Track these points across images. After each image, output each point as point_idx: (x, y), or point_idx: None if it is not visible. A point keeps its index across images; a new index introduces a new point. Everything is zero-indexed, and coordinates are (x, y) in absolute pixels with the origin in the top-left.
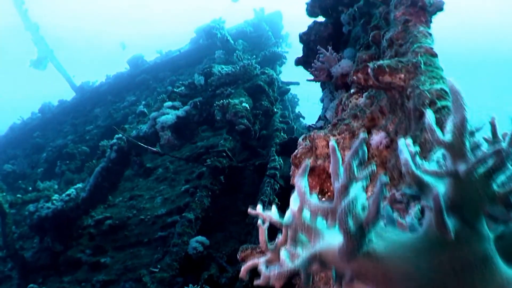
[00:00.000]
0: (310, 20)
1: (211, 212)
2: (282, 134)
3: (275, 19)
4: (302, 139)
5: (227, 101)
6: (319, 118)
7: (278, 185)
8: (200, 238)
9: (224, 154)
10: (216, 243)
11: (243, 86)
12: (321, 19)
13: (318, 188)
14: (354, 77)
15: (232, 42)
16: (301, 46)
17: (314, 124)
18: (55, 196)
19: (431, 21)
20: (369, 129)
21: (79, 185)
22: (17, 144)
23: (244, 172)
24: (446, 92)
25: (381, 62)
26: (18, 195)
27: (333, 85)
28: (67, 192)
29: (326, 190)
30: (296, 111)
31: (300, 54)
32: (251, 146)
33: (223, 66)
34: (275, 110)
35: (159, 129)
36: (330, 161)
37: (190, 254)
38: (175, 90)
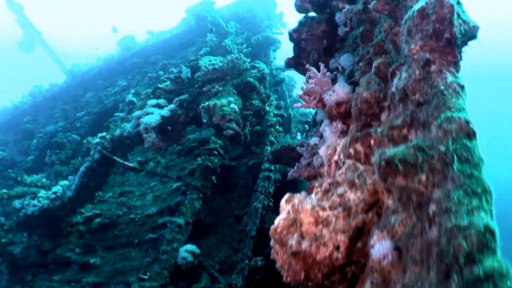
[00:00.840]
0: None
1: (203, 215)
2: (277, 127)
3: None
4: (286, 201)
5: (213, 102)
6: (314, 125)
7: (273, 187)
8: (189, 247)
9: (216, 152)
10: (209, 248)
11: (231, 82)
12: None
13: (303, 274)
14: (351, 150)
15: (224, 24)
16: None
17: (305, 141)
18: (42, 193)
19: (460, 58)
20: (370, 205)
21: (66, 182)
22: (7, 129)
23: (237, 171)
24: (492, 234)
25: (391, 153)
26: (4, 191)
27: (327, 114)
28: (54, 190)
29: (312, 277)
30: (294, 95)
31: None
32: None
33: (211, 58)
34: (267, 109)
35: (143, 131)
36: (318, 244)
37: (180, 265)
38: (159, 86)
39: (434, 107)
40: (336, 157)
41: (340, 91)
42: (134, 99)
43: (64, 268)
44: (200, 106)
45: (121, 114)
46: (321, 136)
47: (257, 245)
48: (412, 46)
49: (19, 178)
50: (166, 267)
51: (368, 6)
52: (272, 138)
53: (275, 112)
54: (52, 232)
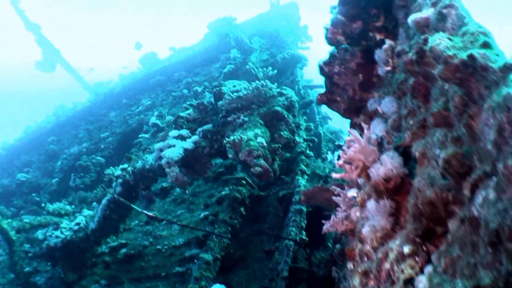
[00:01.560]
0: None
1: (232, 248)
2: (307, 151)
3: (291, 10)
4: None
5: (238, 136)
6: None
7: (305, 221)
8: (218, 287)
9: (244, 181)
10: (239, 284)
11: (258, 112)
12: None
13: None
14: None
15: (248, 40)
16: (323, 31)
17: (342, 191)
18: (64, 224)
19: None
20: None
21: (90, 212)
22: (31, 150)
23: (267, 200)
24: None
25: None
26: (26, 220)
27: (372, 188)
28: (77, 221)
29: None
30: (323, 111)
31: (322, 50)
32: None
33: (235, 83)
34: (297, 139)
35: (165, 165)
36: None
37: None
38: (181, 114)
39: None
40: (387, 266)
41: (389, 163)
42: (158, 122)
43: None
44: (225, 141)
45: (146, 136)
46: (359, 188)
47: (289, 284)
48: (509, 163)
49: (42, 204)
50: None
51: (424, 58)
52: (303, 166)
53: (304, 137)
54: (76, 263)
